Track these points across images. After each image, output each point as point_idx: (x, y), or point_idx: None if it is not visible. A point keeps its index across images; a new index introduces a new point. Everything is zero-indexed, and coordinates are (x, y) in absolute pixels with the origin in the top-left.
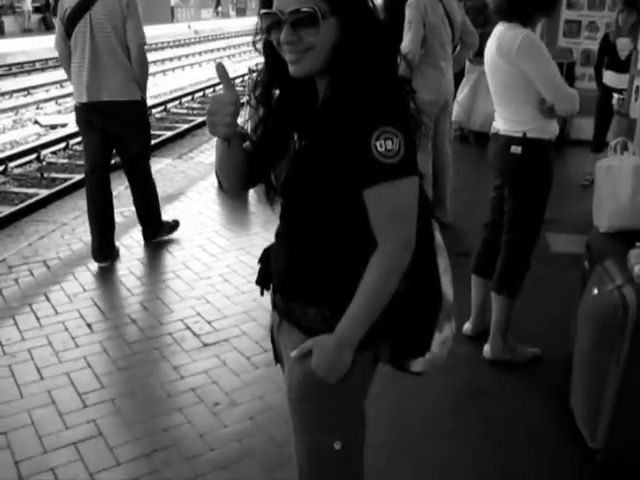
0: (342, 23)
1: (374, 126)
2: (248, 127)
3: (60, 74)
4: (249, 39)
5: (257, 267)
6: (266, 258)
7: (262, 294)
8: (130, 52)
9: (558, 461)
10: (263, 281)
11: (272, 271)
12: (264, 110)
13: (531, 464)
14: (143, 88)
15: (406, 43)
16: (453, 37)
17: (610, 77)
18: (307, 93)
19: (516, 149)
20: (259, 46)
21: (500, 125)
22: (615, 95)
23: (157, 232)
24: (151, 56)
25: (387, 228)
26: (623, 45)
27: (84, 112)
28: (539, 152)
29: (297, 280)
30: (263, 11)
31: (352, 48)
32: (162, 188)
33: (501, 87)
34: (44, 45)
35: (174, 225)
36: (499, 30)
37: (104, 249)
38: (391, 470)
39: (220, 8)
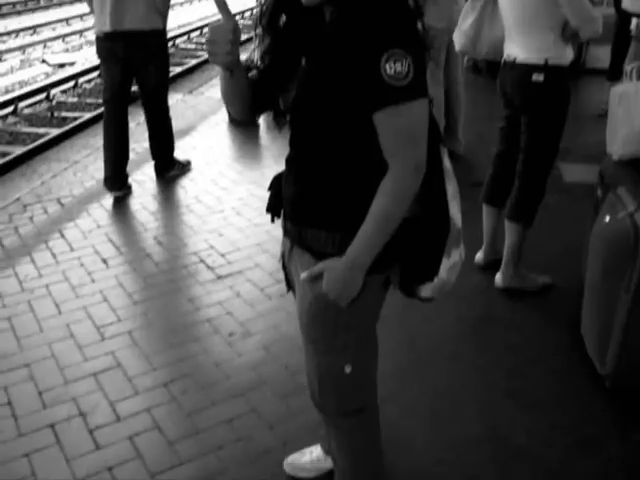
0: None
1: (383, 48)
2: (256, 56)
3: (66, 11)
4: None
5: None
6: (276, 185)
7: (273, 221)
8: None
9: (567, 387)
10: (273, 209)
11: (283, 197)
12: (271, 38)
13: (540, 390)
14: (164, 17)
15: None
16: None
17: (629, 1)
18: (313, 18)
19: (538, 77)
20: None
21: (518, 53)
22: (634, 20)
23: (169, 167)
24: None
25: (397, 151)
26: None
27: (106, 42)
28: (560, 79)
29: (307, 204)
30: None
31: None
32: (173, 123)
33: (524, 14)
34: None
35: (186, 164)
36: None
37: (118, 179)
38: (403, 396)
39: None
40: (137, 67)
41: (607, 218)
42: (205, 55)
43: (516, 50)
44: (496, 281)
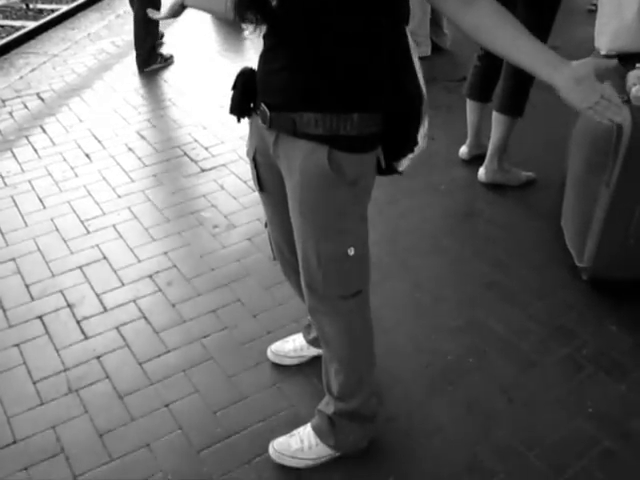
0: None
1: None
2: None
3: None
4: None
5: None
6: (242, 83)
7: (239, 121)
8: None
9: (546, 279)
10: (240, 108)
11: (263, 89)
12: None
13: (520, 281)
14: None
15: None
16: None
17: None
18: None
19: None
20: None
21: None
22: None
23: (150, 60)
24: None
25: None
26: None
27: None
28: None
29: (302, 89)
30: None
31: None
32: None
33: None
34: None
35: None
36: None
37: (148, 57)
38: (383, 287)
39: None
40: None
41: None
42: None
43: None
44: (479, 176)
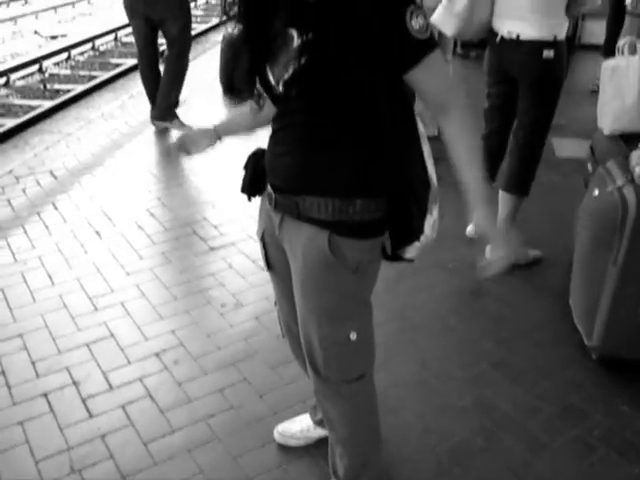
0: None
1: (405, 6)
2: (230, 29)
3: None
4: None
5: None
6: (253, 164)
7: (250, 200)
8: None
9: (554, 358)
10: (250, 188)
11: (270, 170)
12: (242, 17)
13: (528, 360)
14: None
15: None
16: None
17: None
18: None
19: (549, 53)
20: None
21: (524, 30)
22: None
23: (166, 117)
24: None
25: (448, 89)
26: None
27: (131, 0)
28: (565, 52)
29: (305, 173)
30: None
31: None
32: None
33: None
34: None
35: (183, 125)
36: None
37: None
38: (391, 366)
39: None
40: (158, 21)
41: (596, 191)
42: (198, 28)
43: (520, 27)
44: (486, 254)
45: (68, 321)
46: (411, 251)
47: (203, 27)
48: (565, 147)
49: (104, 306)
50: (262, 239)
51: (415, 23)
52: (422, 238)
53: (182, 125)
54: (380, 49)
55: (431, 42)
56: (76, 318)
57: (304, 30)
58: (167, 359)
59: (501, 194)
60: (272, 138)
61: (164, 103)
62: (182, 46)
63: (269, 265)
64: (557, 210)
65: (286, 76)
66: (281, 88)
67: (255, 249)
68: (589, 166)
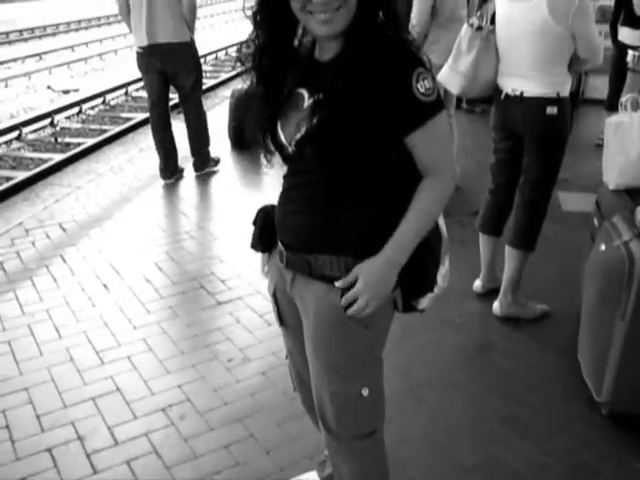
0: None
1: (413, 68)
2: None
3: (72, 38)
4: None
5: None
6: (263, 220)
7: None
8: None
9: (563, 414)
10: (260, 243)
11: (280, 228)
12: (258, 74)
13: (537, 416)
14: (192, 30)
15: (414, 14)
16: None
17: (626, 34)
18: (307, 52)
19: (552, 110)
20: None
21: (526, 87)
22: (630, 52)
23: (206, 163)
24: None
25: (439, 158)
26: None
27: (144, 56)
28: (568, 108)
29: (317, 231)
30: None
31: (374, 2)
32: (179, 142)
33: (544, 50)
34: (55, 9)
35: (217, 161)
36: None
37: (169, 169)
38: (398, 422)
39: None
40: (172, 76)
41: (603, 246)
42: (207, 83)
43: (523, 84)
44: (494, 309)
45: (74, 375)
46: (424, 302)
47: (212, 82)
48: (571, 201)
49: (111, 360)
50: (274, 295)
51: (421, 86)
52: (435, 289)
53: (217, 162)
54: (385, 110)
55: (435, 105)
56: (82, 372)
57: (315, 90)
58: (173, 414)
59: (507, 250)
60: (282, 196)
61: (202, 154)
62: (196, 98)
63: (281, 321)
64: (564, 264)
65: (298, 136)
66: (293, 148)
67: (262, 304)
68: (595, 221)
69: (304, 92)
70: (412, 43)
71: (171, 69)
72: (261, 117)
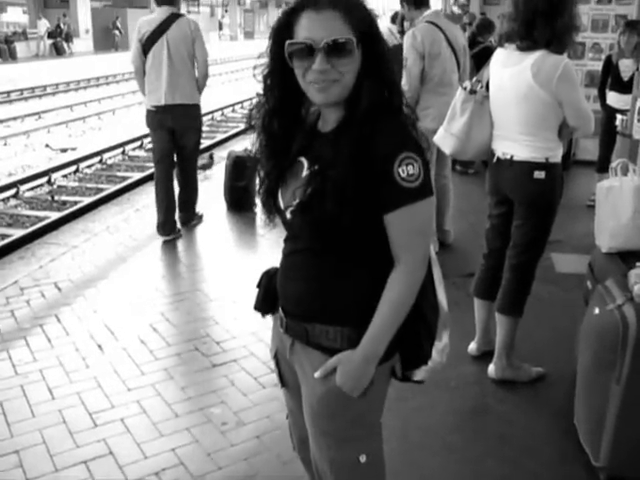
0: (366, 53)
1: (397, 152)
2: (254, 148)
3: (71, 97)
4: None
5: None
6: (266, 282)
7: (263, 316)
8: (197, 65)
9: (561, 478)
10: (263, 305)
11: (281, 293)
12: (265, 137)
13: None
14: (201, 94)
15: (404, 80)
16: (458, 63)
17: (613, 98)
18: (312, 122)
19: (540, 174)
20: (260, 75)
21: (516, 152)
22: (619, 116)
23: (192, 218)
24: None
25: (408, 247)
26: (626, 66)
27: (157, 114)
28: (558, 175)
29: (314, 300)
30: (291, 42)
31: (373, 77)
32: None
33: (530, 115)
34: (55, 69)
35: (201, 216)
36: (537, 57)
37: (167, 225)
38: None
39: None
40: (180, 134)
41: (596, 310)
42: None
43: (514, 149)
44: (489, 372)
45: (66, 437)
46: (419, 374)
47: (208, 142)
48: (564, 263)
49: (104, 422)
50: (275, 357)
51: (402, 171)
52: (430, 362)
53: (200, 216)
54: (368, 187)
55: (416, 192)
56: (75, 434)
57: (313, 161)
58: (167, 478)
59: (497, 315)
60: (283, 261)
61: (191, 209)
62: (195, 157)
63: (283, 382)
64: (558, 326)
65: (293, 203)
66: (288, 215)
67: (257, 366)
68: (588, 284)
69: (304, 161)
70: (409, 117)
71: (180, 127)
72: (267, 179)
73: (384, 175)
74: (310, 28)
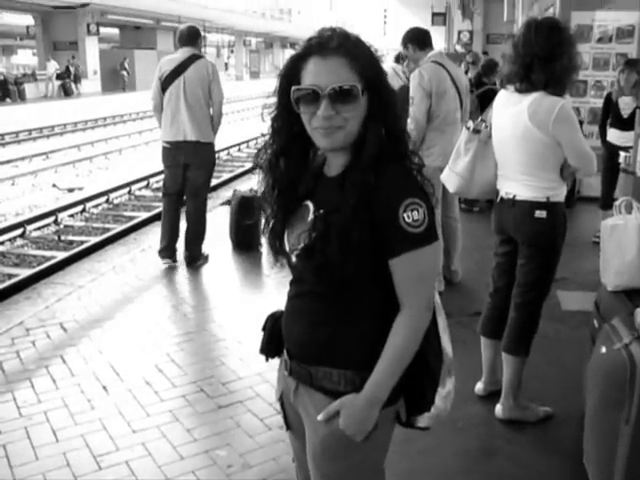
0: (371, 99)
1: (402, 198)
2: (260, 189)
3: (79, 137)
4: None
5: None
6: (272, 325)
7: (267, 360)
8: (213, 105)
9: None
10: (268, 349)
11: (286, 336)
12: (272, 178)
13: None
14: (215, 133)
15: (410, 119)
16: (461, 102)
17: (614, 135)
18: (317, 165)
19: (541, 214)
20: (268, 115)
21: (518, 191)
22: (622, 153)
23: (198, 258)
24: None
25: (413, 292)
26: (625, 104)
27: (172, 150)
28: (560, 214)
29: (319, 344)
30: (297, 87)
31: (378, 123)
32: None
33: (529, 155)
34: (63, 110)
35: (207, 256)
36: (534, 99)
37: (169, 251)
38: None
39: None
40: (190, 170)
41: (603, 349)
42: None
43: (516, 188)
44: (496, 412)
45: None
46: (423, 421)
47: (214, 182)
48: (571, 300)
49: (108, 465)
50: (280, 399)
51: (408, 217)
52: (433, 409)
53: (206, 256)
54: (373, 233)
55: (421, 237)
56: (79, 478)
57: (318, 205)
58: None
59: (503, 355)
60: (288, 303)
61: (197, 248)
62: (204, 194)
63: (288, 425)
64: (565, 364)
65: (298, 247)
66: (294, 258)
67: (263, 407)
68: (595, 322)
69: (310, 205)
70: (414, 162)
71: (191, 163)
72: (273, 221)
73: (389, 221)
74: (316, 74)
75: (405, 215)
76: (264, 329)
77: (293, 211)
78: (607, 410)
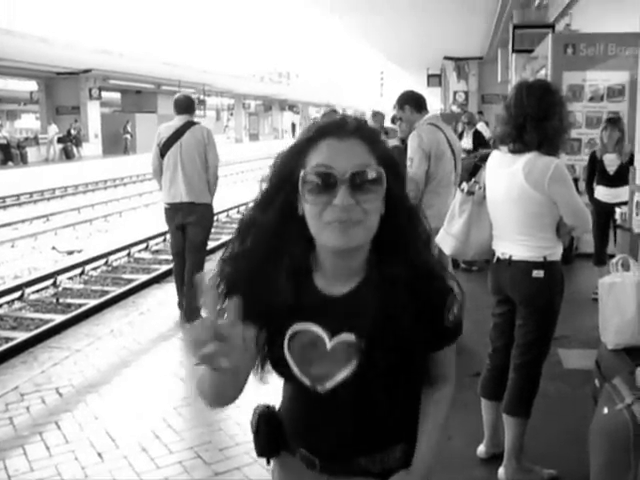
0: (388, 188)
1: (446, 296)
2: None
3: (80, 199)
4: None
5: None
6: (267, 424)
7: (268, 463)
8: (209, 168)
9: None
10: (269, 450)
11: (313, 436)
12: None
13: None
14: (212, 194)
15: (409, 181)
16: (455, 164)
17: (601, 192)
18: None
19: (538, 273)
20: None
21: (514, 251)
22: (617, 210)
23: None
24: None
25: (449, 368)
26: (610, 161)
27: (171, 211)
28: (558, 273)
29: (362, 439)
30: (309, 170)
31: (397, 216)
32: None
33: (526, 215)
34: (64, 173)
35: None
36: (528, 159)
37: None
38: None
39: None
40: (187, 229)
41: (605, 410)
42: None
43: (512, 248)
44: (500, 475)
45: None
46: None
47: (213, 244)
48: (572, 358)
49: None
50: None
51: (452, 315)
52: None
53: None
54: (419, 337)
55: (459, 326)
56: None
57: (336, 330)
58: None
59: (504, 417)
60: (311, 402)
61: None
62: (202, 253)
63: None
64: (568, 424)
65: (333, 381)
66: (324, 388)
67: (261, 473)
68: (596, 381)
69: (319, 330)
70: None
71: (188, 224)
72: (269, 348)
73: (434, 321)
74: (332, 157)
75: (450, 315)
76: (256, 432)
77: (292, 335)
78: (612, 471)
